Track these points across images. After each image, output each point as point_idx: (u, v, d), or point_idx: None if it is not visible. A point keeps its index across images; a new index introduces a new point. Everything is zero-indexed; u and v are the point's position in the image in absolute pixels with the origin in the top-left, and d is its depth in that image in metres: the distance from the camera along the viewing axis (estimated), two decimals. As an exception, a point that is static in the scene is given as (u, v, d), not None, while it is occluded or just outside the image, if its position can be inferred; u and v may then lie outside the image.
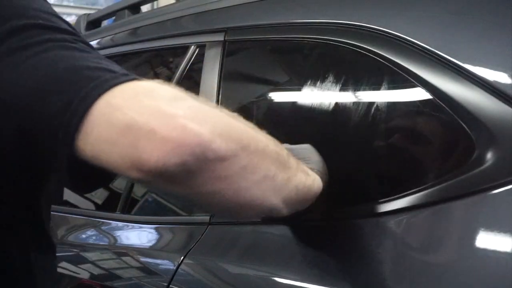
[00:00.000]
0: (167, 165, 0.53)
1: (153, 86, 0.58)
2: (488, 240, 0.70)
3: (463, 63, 0.80)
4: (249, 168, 0.60)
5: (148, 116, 0.54)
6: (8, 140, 0.60)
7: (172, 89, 0.59)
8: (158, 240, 1.19)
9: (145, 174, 0.54)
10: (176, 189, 0.57)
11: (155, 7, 2.32)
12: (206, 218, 1.05)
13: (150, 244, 1.20)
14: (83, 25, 1.97)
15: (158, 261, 1.14)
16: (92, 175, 0.59)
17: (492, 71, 0.78)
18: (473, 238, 0.71)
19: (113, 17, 1.93)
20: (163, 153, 0.53)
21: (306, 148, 0.85)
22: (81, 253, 1.33)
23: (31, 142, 0.58)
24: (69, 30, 0.63)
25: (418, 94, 0.84)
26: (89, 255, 1.29)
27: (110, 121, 0.54)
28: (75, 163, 0.56)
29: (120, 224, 1.28)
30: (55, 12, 0.65)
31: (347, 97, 1.00)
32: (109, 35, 1.71)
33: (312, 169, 0.78)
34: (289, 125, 1.08)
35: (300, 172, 0.72)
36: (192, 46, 1.28)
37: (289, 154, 0.71)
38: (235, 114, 0.63)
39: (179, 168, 0.54)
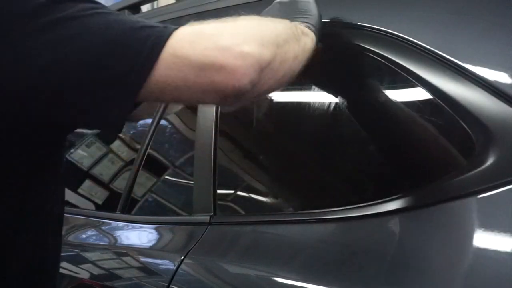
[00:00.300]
0: (241, 87, 0.68)
1: (197, 29, 0.71)
2: (488, 240, 0.70)
3: (464, 63, 0.80)
4: (285, 58, 0.76)
5: (212, 55, 0.67)
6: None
7: (210, 24, 0.72)
8: (158, 240, 1.19)
9: (224, 98, 0.70)
10: (243, 99, 0.73)
11: (155, 7, 2.32)
12: (206, 218, 1.05)
13: (150, 244, 1.20)
14: (83, 25, 1.97)
15: (158, 261, 1.14)
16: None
17: (492, 71, 0.78)
18: (473, 238, 0.71)
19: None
20: (236, 80, 0.68)
21: (308, 2, 0.94)
22: (81, 253, 1.33)
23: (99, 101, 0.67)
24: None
25: (418, 94, 0.84)
26: (89, 255, 1.29)
27: (181, 68, 0.66)
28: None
29: (120, 224, 1.28)
30: None
31: (348, 97, 1.00)
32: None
33: (309, 25, 0.89)
34: (289, 125, 1.08)
35: (305, 37, 0.85)
36: (192, 46, 1.28)
37: (297, 25, 0.84)
38: (254, 17, 0.81)
39: (248, 85, 0.69)
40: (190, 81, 0.68)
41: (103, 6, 0.70)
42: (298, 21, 0.88)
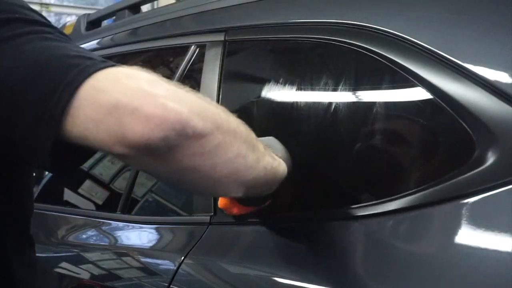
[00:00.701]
0: (151, 139, 0.58)
1: (132, 71, 0.63)
2: (488, 240, 0.70)
3: (464, 62, 0.80)
4: (223, 146, 0.65)
5: (132, 96, 0.58)
6: None
7: (150, 74, 0.63)
8: (158, 240, 1.19)
9: (129, 149, 0.59)
10: (157, 165, 0.62)
11: (155, 7, 2.32)
12: (206, 218, 1.05)
13: (150, 244, 1.20)
14: (83, 25, 1.97)
15: (159, 261, 1.14)
16: (72, 157, 0.63)
17: (492, 70, 0.78)
18: (473, 238, 0.71)
19: (113, 17, 1.93)
20: (147, 129, 0.58)
21: (270, 139, 0.91)
22: (82, 253, 1.33)
23: (13, 131, 0.60)
24: (47, 23, 0.67)
25: (418, 93, 0.84)
26: (90, 255, 1.29)
27: (96, 103, 0.58)
28: (56, 147, 0.60)
29: (120, 224, 1.28)
30: (31, 8, 0.68)
31: (348, 97, 1.00)
32: (109, 35, 1.71)
33: (276, 155, 0.83)
34: (289, 125, 1.08)
35: (268, 155, 0.77)
36: (192, 46, 1.28)
37: (257, 138, 0.76)
38: (208, 98, 0.68)
39: (161, 143, 0.58)
40: (98, 118, 0.58)
41: (54, 32, 0.66)
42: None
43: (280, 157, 0.84)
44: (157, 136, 0.58)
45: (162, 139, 0.58)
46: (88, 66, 0.61)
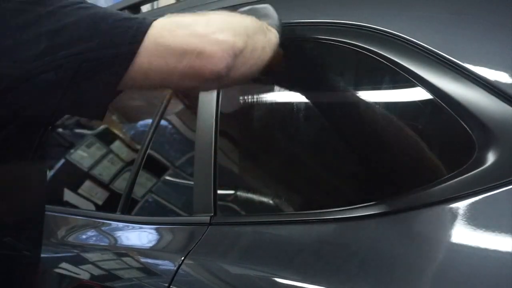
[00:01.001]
0: (219, 70, 0.78)
1: (175, 19, 0.81)
2: (488, 240, 0.70)
3: (464, 62, 0.80)
4: (255, 47, 0.85)
5: (191, 42, 0.77)
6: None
7: (187, 17, 0.83)
8: (158, 241, 1.19)
9: (205, 81, 0.79)
10: (220, 83, 0.84)
11: (155, 7, 2.32)
12: (206, 218, 1.05)
13: (150, 244, 1.20)
14: (83, 26, 1.97)
15: (159, 262, 1.14)
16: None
17: (492, 70, 0.78)
18: (473, 238, 0.71)
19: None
20: (213, 65, 0.78)
21: (266, 7, 1.03)
22: (82, 254, 1.33)
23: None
24: None
25: (418, 94, 0.84)
26: (90, 256, 1.29)
27: (163, 54, 0.75)
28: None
29: (120, 224, 1.28)
30: None
31: (348, 97, 1.00)
32: (109, 36, 1.70)
33: (271, 25, 0.96)
34: (289, 125, 1.08)
35: (270, 32, 0.93)
36: (192, 47, 1.27)
37: (262, 22, 0.92)
38: (224, 11, 0.92)
39: (226, 69, 0.78)
40: (171, 66, 0.76)
41: (85, 1, 0.78)
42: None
43: (274, 26, 0.97)
44: (222, 66, 0.78)
45: (225, 67, 0.78)
46: (139, 25, 0.76)
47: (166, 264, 1.10)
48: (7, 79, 0.70)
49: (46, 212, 1.55)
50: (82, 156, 1.65)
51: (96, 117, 0.85)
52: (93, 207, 1.54)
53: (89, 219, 1.41)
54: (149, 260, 1.16)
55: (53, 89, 0.73)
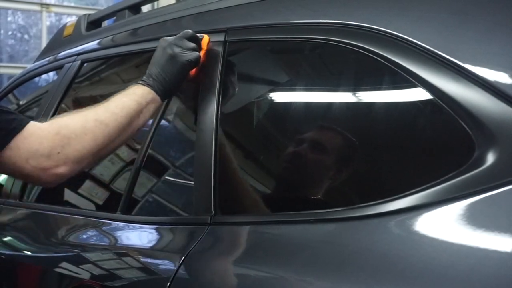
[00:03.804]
0: (52, 185, 1.04)
1: (39, 140, 0.98)
2: (488, 240, 0.70)
3: (464, 63, 0.80)
4: (107, 149, 1.07)
5: (33, 172, 0.99)
6: None
7: (50, 139, 0.99)
8: (158, 241, 1.19)
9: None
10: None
11: (155, 7, 2.32)
12: (206, 218, 1.05)
13: (150, 244, 1.20)
14: (83, 26, 1.97)
15: (159, 261, 1.14)
16: None
17: (492, 71, 0.78)
18: (473, 238, 0.71)
19: (114, 18, 1.93)
20: (46, 185, 1.12)
21: (160, 48, 1.17)
22: (82, 254, 1.33)
23: None
24: None
25: (418, 94, 0.84)
26: (90, 256, 1.29)
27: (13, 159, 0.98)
28: None
29: (120, 224, 1.28)
30: None
31: (348, 97, 1.00)
32: (109, 36, 1.71)
33: (151, 83, 1.13)
34: (289, 125, 1.08)
35: (148, 106, 1.11)
36: (193, 47, 1.27)
37: (139, 101, 1.09)
38: (95, 115, 1.05)
39: (54, 185, 1.05)
40: (16, 170, 1.00)
41: None
42: (145, 83, 1.12)
43: (155, 87, 1.12)
44: (54, 184, 1.04)
45: (58, 183, 1.03)
46: (20, 120, 0.98)
47: (166, 264, 1.10)
48: None
49: (47, 212, 1.55)
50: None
51: None
52: (93, 207, 1.54)
53: (89, 219, 1.41)
54: (149, 260, 1.16)
55: None
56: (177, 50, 1.14)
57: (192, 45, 1.17)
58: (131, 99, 1.10)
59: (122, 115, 1.07)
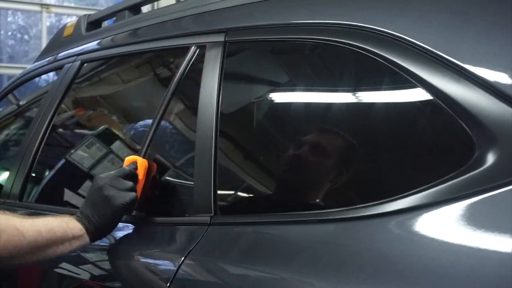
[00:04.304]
0: None
1: None
2: (488, 240, 0.70)
3: (464, 63, 0.80)
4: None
5: None
6: None
7: None
8: (158, 241, 1.19)
9: None
10: None
11: (155, 7, 2.32)
12: (206, 218, 1.05)
13: (150, 244, 1.20)
14: (83, 26, 1.97)
15: (159, 262, 1.14)
16: None
17: (492, 71, 0.78)
18: (473, 238, 0.71)
19: (114, 18, 1.93)
20: None
21: (90, 189, 1.17)
22: (81, 254, 1.32)
23: None
24: None
25: (418, 94, 0.84)
26: (89, 256, 1.29)
27: None
28: None
29: (120, 224, 1.28)
30: None
31: (348, 98, 1.00)
32: (109, 36, 1.71)
33: (84, 214, 1.13)
34: (289, 125, 1.08)
35: (74, 241, 1.12)
36: (193, 47, 1.28)
37: (45, 232, 1.07)
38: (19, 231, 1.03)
39: None
40: None
41: None
42: (80, 219, 1.12)
43: (85, 223, 1.12)
44: None
45: None
46: None
47: (166, 264, 1.10)
48: None
49: (47, 212, 1.55)
50: (82, 156, 1.65)
51: None
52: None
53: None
54: (149, 260, 1.15)
55: None
56: (112, 192, 1.12)
57: (129, 184, 1.15)
58: (60, 226, 1.09)
59: (44, 236, 1.06)
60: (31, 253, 1.05)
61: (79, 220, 1.12)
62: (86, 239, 1.12)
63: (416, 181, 0.81)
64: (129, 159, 1.19)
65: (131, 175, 1.17)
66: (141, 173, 1.18)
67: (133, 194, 1.14)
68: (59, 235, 1.08)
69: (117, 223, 1.15)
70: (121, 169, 1.17)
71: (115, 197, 1.12)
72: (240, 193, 1.14)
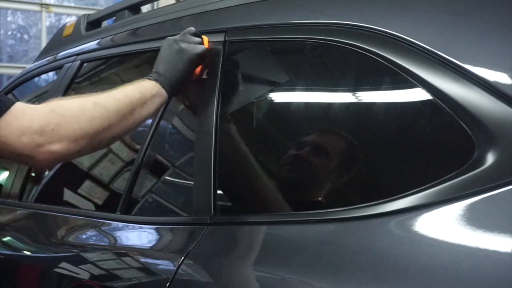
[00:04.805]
0: (45, 168, 1.33)
1: (30, 118, 0.96)
2: (488, 240, 0.70)
3: (464, 63, 0.80)
4: (102, 138, 1.05)
5: (27, 149, 0.95)
6: None
7: (43, 117, 0.97)
8: (158, 241, 1.19)
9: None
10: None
11: (155, 7, 2.32)
12: (206, 218, 1.05)
13: (150, 244, 1.20)
14: (83, 26, 1.97)
15: (159, 262, 1.14)
16: None
17: (492, 71, 0.78)
18: (473, 238, 0.71)
19: (113, 18, 1.93)
20: (39, 166, 1.15)
21: (160, 49, 1.19)
22: (81, 254, 1.33)
23: None
24: None
25: (418, 94, 0.84)
26: (89, 256, 1.29)
27: (6, 138, 0.95)
28: None
29: (120, 224, 1.28)
30: None
31: (348, 98, 1.00)
32: (109, 36, 1.71)
33: (159, 79, 1.13)
34: (289, 125, 1.08)
35: (153, 99, 1.11)
36: (192, 47, 1.27)
37: (143, 92, 1.10)
38: (96, 102, 1.03)
39: (55, 164, 1.18)
40: (8, 149, 0.95)
41: None
42: (152, 77, 1.13)
43: (162, 82, 1.13)
44: (49, 166, 1.19)
45: (52, 165, 1.16)
46: (7, 101, 0.96)
47: (166, 264, 1.10)
48: None
49: (47, 212, 1.55)
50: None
51: None
52: (93, 207, 1.54)
53: (89, 219, 1.41)
54: (149, 260, 1.16)
55: None
56: (184, 45, 1.16)
57: (198, 39, 1.18)
58: (135, 89, 1.10)
59: (124, 102, 1.06)
60: (118, 123, 1.05)
61: (152, 78, 1.13)
62: (164, 94, 1.13)
63: (416, 181, 0.81)
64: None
65: (198, 35, 1.20)
66: (205, 44, 1.21)
67: (203, 46, 1.17)
68: (138, 96, 1.09)
69: (190, 75, 1.17)
70: (188, 29, 1.20)
71: (187, 49, 1.15)
72: (239, 193, 1.14)
